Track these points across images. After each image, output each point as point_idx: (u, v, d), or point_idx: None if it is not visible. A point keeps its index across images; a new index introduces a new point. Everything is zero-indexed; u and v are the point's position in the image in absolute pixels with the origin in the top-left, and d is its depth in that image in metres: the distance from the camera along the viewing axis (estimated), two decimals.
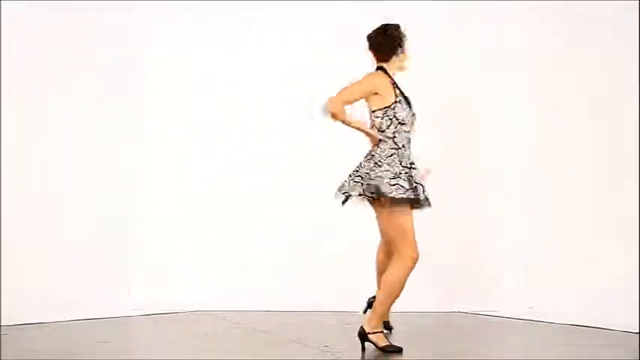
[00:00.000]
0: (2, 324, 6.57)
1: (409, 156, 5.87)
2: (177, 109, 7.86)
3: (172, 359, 5.69)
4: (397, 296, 5.82)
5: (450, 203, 7.66)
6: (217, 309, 7.43)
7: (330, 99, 5.74)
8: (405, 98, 5.90)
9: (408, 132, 5.87)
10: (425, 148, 7.70)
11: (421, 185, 5.87)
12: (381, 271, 6.28)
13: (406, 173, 5.79)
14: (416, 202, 5.82)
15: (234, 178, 7.85)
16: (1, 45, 7.25)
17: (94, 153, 7.59)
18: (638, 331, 6.35)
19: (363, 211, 7.79)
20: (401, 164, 5.79)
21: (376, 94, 5.81)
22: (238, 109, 7.89)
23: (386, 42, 5.93)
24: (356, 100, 5.80)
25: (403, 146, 5.83)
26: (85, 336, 6.42)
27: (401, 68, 5.96)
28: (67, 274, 7.34)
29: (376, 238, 7.82)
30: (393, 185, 5.73)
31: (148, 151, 7.79)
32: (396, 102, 5.82)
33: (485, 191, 7.78)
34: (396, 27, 5.99)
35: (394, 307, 7.35)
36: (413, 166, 5.84)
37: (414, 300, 7.48)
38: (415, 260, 5.77)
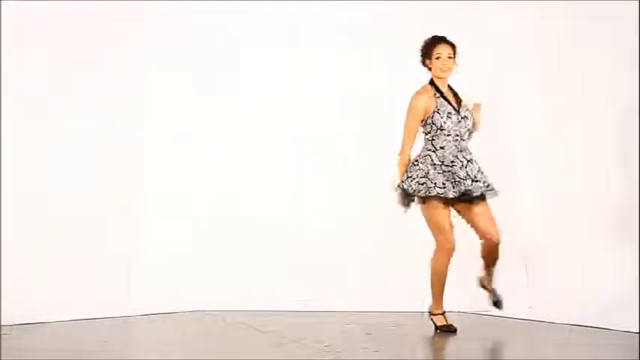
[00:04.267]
0: (2, 324, 6.56)
1: (450, 155, 6.30)
2: (177, 109, 7.85)
3: (172, 359, 5.69)
4: (439, 282, 6.39)
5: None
6: (217, 309, 7.42)
7: None
8: (454, 105, 6.38)
9: (449, 135, 6.30)
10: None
11: (468, 180, 6.31)
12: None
13: (442, 171, 6.26)
14: (463, 195, 6.30)
15: (235, 178, 7.84)
16: (1, 45, 7.26)
17: (93, 152, 7.59)
18: (638, 331, 6.35)
19: (362, 212, 7.82)
20: (434, 164, 6.27)
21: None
22: (239, 108, 7.89)
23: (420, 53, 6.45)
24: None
25: (442, 147, 6.30)
26: (85, 336, 6.41)
27: (435, 75, 6.43)
28: (67, 274, 7.33)
29: (374, 238, 7.85)
30: (422, 184, 6.27)
31: (147, 151, 7.79)
32: (434, 111, 6.32)
33: None
34: (427, 38, 6.45)
35: (391, 306, 7.35)
36: (453, 164, 6.29)
37: (414, 300, 7.48)
38: (449, 250, 6.34)
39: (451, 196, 6.26)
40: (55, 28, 7.47)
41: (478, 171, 6.37)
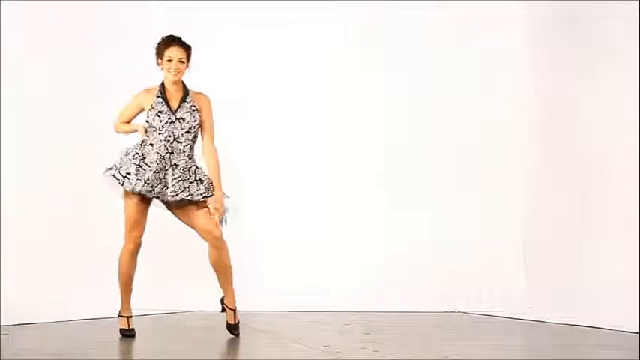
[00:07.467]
0: (2, 324, 6.56)
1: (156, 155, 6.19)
2: None
3: (172, 359, 5.69)
4: (120, 274, 6.43)
5: (450, 203, 7.66)
6: (217, 309, 7.42)
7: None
8: (170, 106, 6.23)
9: (161, 134, 6.21)
10: (425, 147, 7.75)
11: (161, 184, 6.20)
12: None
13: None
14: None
15: (233, 177, 7.83)
16: (1, 45, 7.26)
17: (93, 152, 7.58)
18: (638, 331, 6.35)
19: (361, 211, 7.82)
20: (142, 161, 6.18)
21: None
22: (239, 108, 7.89)
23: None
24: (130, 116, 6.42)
25: (151, 144, 6.20)
26: (85, 336, 6.42)
27: (165, 77, 6.27)
28: (67, 274, 7.33)
29: (374, 238, 7.81)
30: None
31: None
32: (149, 109, 6.26)
33: (485, 190, 7.78)
34: (161, 38, 6.31)
35: (391, 306, 7.35)
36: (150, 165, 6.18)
37: (414, 300, 7.49)
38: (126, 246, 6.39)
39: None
40: (55, 28, 7.47)
41: (179, 178, 6.19)
